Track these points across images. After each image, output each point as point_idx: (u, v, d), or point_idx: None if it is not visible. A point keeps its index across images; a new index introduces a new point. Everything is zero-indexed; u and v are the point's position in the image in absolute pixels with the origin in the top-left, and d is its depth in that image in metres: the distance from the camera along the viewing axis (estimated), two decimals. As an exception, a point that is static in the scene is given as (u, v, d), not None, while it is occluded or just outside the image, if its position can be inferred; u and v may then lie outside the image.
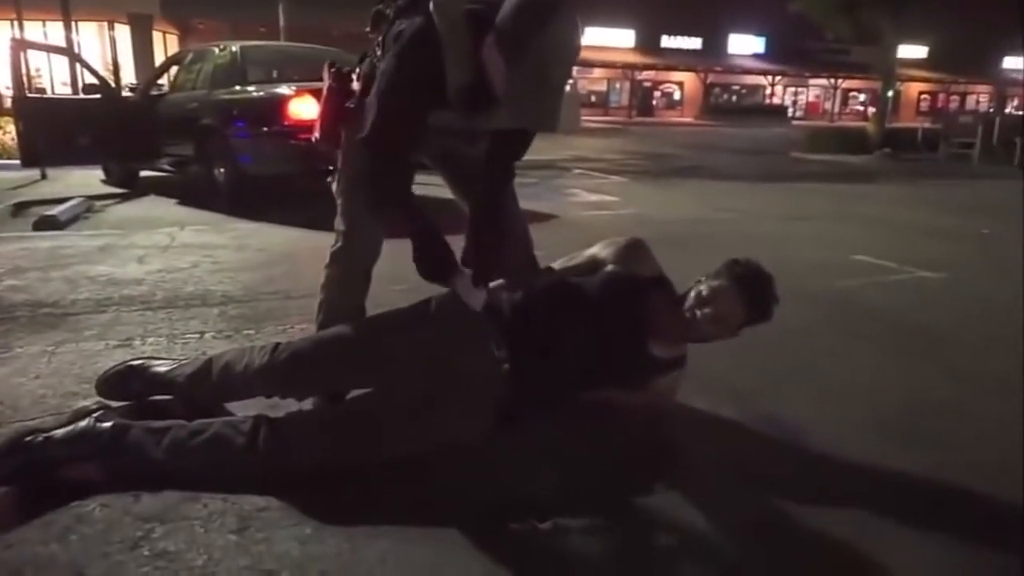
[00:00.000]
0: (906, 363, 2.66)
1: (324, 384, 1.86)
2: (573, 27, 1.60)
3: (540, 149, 11.31)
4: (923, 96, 43.91)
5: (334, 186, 2.04)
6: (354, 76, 2.00)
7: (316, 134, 2.07)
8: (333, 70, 2.03)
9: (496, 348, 1.78)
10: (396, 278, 2.04)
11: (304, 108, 4.97)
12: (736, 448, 1.96)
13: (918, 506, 1.68)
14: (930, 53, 36.72)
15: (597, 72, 37.73)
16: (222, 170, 5.77)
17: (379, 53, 1.86)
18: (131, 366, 1.93)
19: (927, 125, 17.32)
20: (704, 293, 1.86)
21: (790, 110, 40.88)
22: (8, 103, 8.18)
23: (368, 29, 1.91)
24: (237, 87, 5.91)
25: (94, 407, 1.68)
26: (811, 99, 44.09)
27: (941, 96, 44.12)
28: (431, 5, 1.68)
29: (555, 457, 1.83)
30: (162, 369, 1.91)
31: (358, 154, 1.85)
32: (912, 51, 33.05)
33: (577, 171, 10.06)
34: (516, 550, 1.46)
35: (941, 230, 5.81)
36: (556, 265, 2.11)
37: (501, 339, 1.79)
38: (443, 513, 1.57)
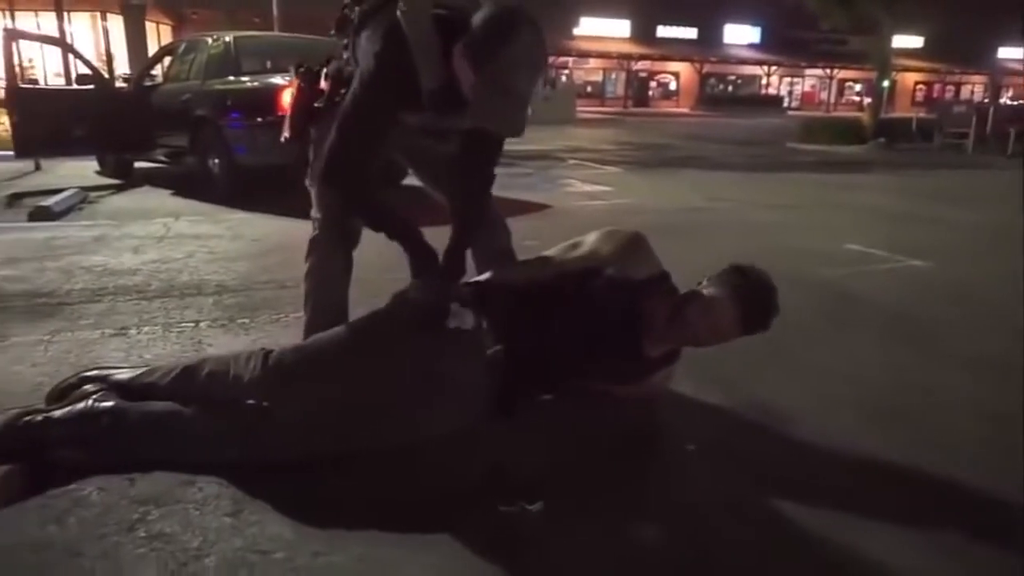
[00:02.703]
0: (893, 350, 2.69)
1: (321, 393, 1.76)
2: (538, 40, 1.67)
3: (535, 140, 11.34)
4: (919, 86, 43.92)
5: (307, 180, 2.11)
6: (322, 76, 2.06)
7: (286, 133, 2.13)
8: (302, 70, 2.10)
9: (489, 344, 1.79)
10: (393, 267, 2.06)
11: (298, 98, 4.97)
12: (725, 433, 1.99)
13: (900, 489, 1.72)
14: (926, 43, 36.74)
15: (593, 63, 37.69)
16: (216, 161, 5.78)
17: (345, 56, 1.92)
18: (85, 377, 1.81)
19: (922, 115, 17.36)
20: (704, 305, 1.82)
21: (786, 100, 40.87)
22: (1, 94, 8.17)
23: (333, 32, 1.96)
24: (231, 77, 5.90)
25: (92, 388, 1.70)
26: (807, 89, 44.05)
27: (937, 86, 44.16)
28: (398, 13, 1.72)
29: (544, 440, 1.86)
30: (123, 377, 1.80)
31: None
32: (908, 41, 33.07)
33: (572, 161, 10.08)
34: (506, 530, 1.49)
35: (933, 219, 5.84)
36: (554, 251, 2.11)
37: (493, 336, 1.80)
38: (433, 492, 1.60)
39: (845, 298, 3.38)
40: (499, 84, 1.62)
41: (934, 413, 2.15)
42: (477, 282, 1.99)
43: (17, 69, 6.41)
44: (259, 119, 5.32)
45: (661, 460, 1.87)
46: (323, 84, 2.05)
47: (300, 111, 2.09)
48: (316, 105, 2.04)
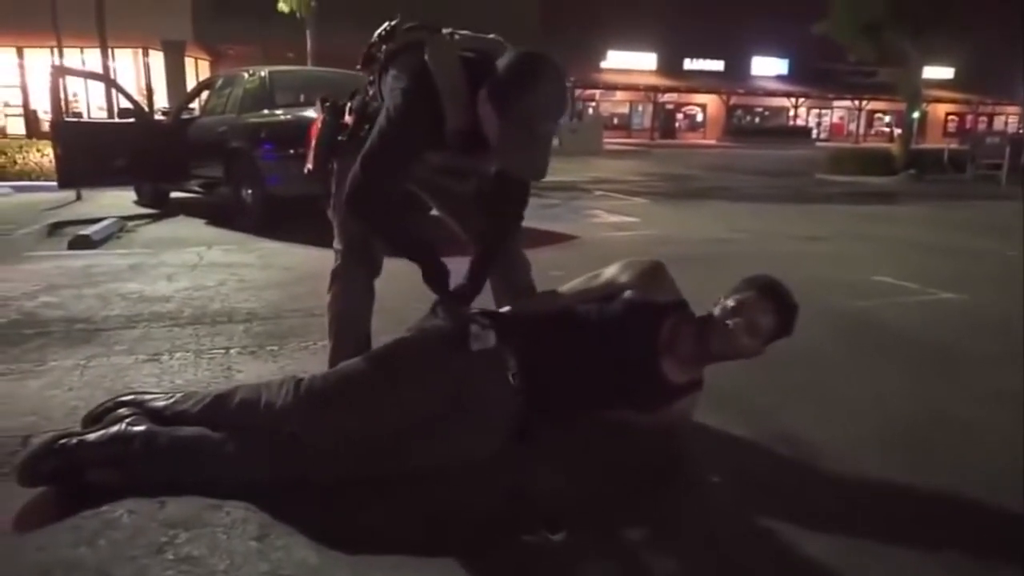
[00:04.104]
0: (922, 383, 2.64)
1: (351, 419, 1.76)
2: (560, 85, 1.73)
3: (562, 171, 11.44)
4: (950, 117, 43.46)
5: (329, 211, 2.16)
6: (347, 111, 2.13)
7: (309, 165, 2.19)
8: (327, 104, 2.17)
9: (512, 375, 1.81)
10: (418, 296, 2.09)
11: (330, 131, 5.09)
12: (748, 464, 1.97)
13: (926, 523, 1.68)
14: (957, 74, 36.41)
15: (620, 95, 37.99)
16: (249, 191, 5.92)
17: (370, 92, 1.98)
18: (120, 402, 1.84)
19: (954, 146, 17.16)
20: (732, 305, 1.86)
21: (814, 132, 40.68)
22: (47, 127, 8.48)
23: (359, 66, 2.03)
24: (265, 111, 6.07)
25: (126, 413, 1.74)
26: (835, 120, 43.86)
27: (969, 117, 43.64)
28: (426, 55, 1.78)
29: (566, 468, 1.85)
30: (157, 404, 1.81)
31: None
32: (939, 72, 32.82)
33: (598, 192, 10.13)
34: (528, 561, 1.49)
35: (966, 251, 5.75)
36: (576, 284, 2.12)
37: (516, 365, 1.82)
38: (458, 520, 1.61)
39: (874, 330, 3.33)
40: (523, 129, 1.68)
41: (964, 447, 2.10)
42: (496, 313, 2.01)
43: (63, 104, 6.65)
44: (291, 151, 5.43)
45: (685, 491, 1.85)
46: (348, 118, 2.11)
47: (324, 144, 2.16)
48: (340, 138, 2.11)
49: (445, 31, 1.91)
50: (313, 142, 2.20)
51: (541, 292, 2.19)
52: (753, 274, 1.96)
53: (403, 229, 1.92)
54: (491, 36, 1.96)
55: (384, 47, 1.95)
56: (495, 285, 2.22)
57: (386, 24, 1.99)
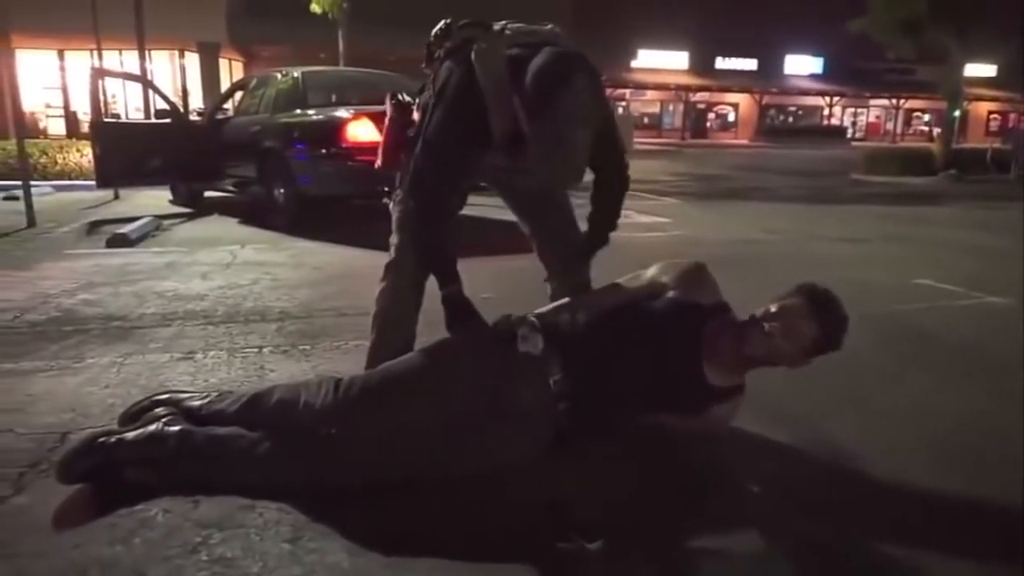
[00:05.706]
0: (968, 390, 2.55)
1: (389, 420, 1.75)
2: (593, 88, 1.68)
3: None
4: (993, 116, 42.31)
5: (391, 204, 2.16)
6: (414, 107, 2.12)
7: (379, 161, 2.20)
8: (394, 101, 2.17)
9: (554, 380, 1.78)
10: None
11: (361, 131, 5.11)
12: (788, 472, 1.92)
13: (970, 534, 1.62)
14: (999, 71, 35.43)
15: (650, 94, 37.68)
16: (282, 191, 5.96)
17: (431, 90, 1.98)
18: (157, 401, 1.84)
19: (997, 145, 16.70)
20: (773, 310, 1.82)
21: (849, 131, 39.92)
22: (86, 127, 8.64)
23: (423, 65, 2.03)
24: (298, 111, 6.11)
25: (163, 412, 1.74)
26: (872, 120, 43.02)
27: (1012, 116, 42.44)
28: (473, 55, 1.75)
29: (604, 476, 1.82)
30: (193, 403, 1.81)
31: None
32: (980, 70, 31.98)
33: (629, 192, 10.01)
34: (564, 569, 1.46)
35: (1010, 254, 5.56)
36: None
37: (559, 367, 1.80)
38: (493, 525, 1.58)
39: (916, 335, 3.23)
40: (552, 136, 1.63)
41: (1009, 456, 2.02)
42: (541, 314, 1.99)
43: (101, 105, 6.77)
44: (323, 151, 5.48)
45: (723, 499, 1.80)
46: (416, 115, 2.11)
47: (392, 140, 2.17)
48: (408, 133, 2.10)
49: (497, 26, 1.88)
50: (382, 138, 2.21)
51: (597, 289, 2.17)
52: (799, 284, 1.89)
53: (444, 252, 1.95)
54: (548, 26, 1.92)
55: (443, 45, 1.94)
56: (554, 284, 2.23)
57: (442, 23, 1.98)
